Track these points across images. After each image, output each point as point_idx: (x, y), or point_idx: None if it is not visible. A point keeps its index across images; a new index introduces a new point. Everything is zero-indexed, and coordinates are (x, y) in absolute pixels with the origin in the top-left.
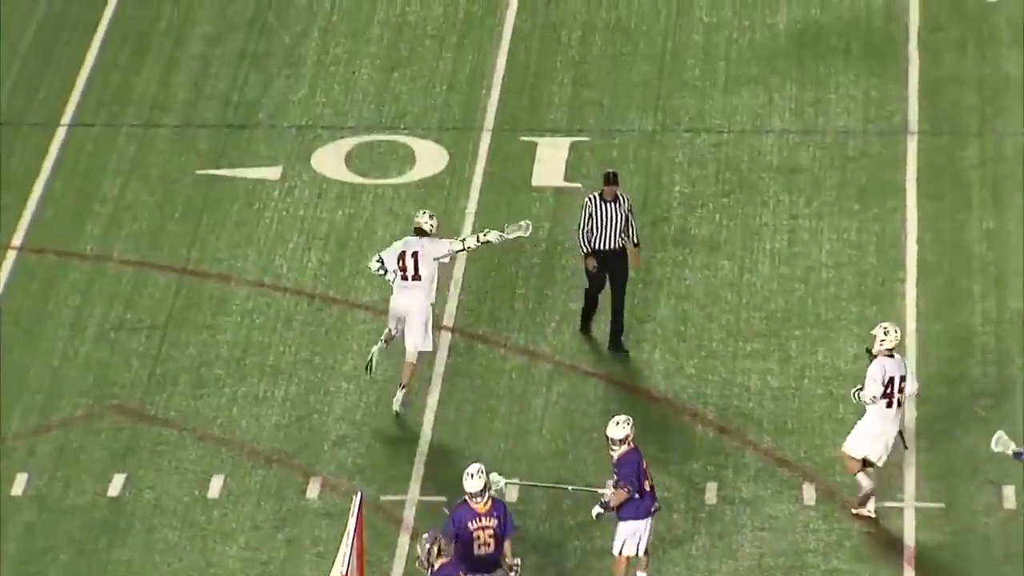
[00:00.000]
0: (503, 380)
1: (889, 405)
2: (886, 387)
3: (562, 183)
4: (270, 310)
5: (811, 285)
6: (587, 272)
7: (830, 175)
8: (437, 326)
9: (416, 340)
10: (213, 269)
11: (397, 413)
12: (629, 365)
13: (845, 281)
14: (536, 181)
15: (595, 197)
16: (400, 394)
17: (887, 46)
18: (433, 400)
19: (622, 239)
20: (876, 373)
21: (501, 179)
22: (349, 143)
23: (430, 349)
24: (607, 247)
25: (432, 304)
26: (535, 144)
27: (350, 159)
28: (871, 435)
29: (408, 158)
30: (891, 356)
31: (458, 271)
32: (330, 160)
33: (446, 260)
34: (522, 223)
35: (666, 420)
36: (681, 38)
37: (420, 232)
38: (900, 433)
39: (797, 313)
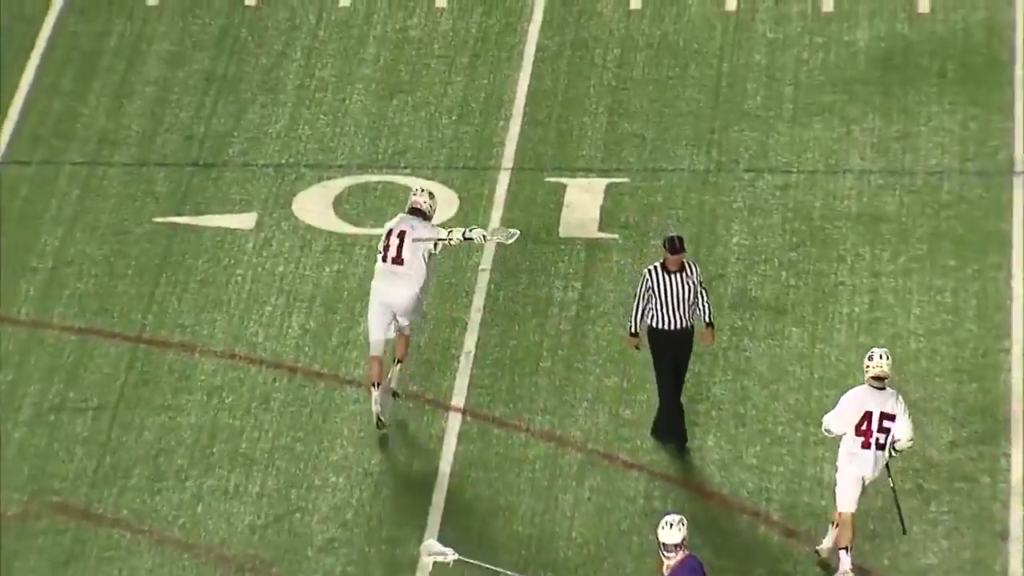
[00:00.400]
0: (524, 472)
1: (865, 446)
2: (860, 422)
3: (596, 234)
4: (243, 387)
5: (897, 358)
6: (655, 360)
7: (920, 224)
8: (445, 405)
9: (404, 324)
10: (174, 337)
11: (395, 393)
12: (677, 454)
13: (938, 353)
14: (564, 231)
15: (657, 269)
16: (395, 370)
17: (989, 69)
18: (440, 497)
19: (691, 317)
20: (845, 402)
21: (522, 229)
22: (338, 185)
23: (415, 321)
24: (673, 327)
25: (422, 293)
26: (563, 186)
27: (339, 204)
28: (847, 485)
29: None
30: (881, 388)
31: (470, 340)
32: (315, 206)
33: (428, 245)
34: (511, 230)
35: (722, 520)
36: (740, 58)
37: (416, 212)
38: (897, 504)
39: None
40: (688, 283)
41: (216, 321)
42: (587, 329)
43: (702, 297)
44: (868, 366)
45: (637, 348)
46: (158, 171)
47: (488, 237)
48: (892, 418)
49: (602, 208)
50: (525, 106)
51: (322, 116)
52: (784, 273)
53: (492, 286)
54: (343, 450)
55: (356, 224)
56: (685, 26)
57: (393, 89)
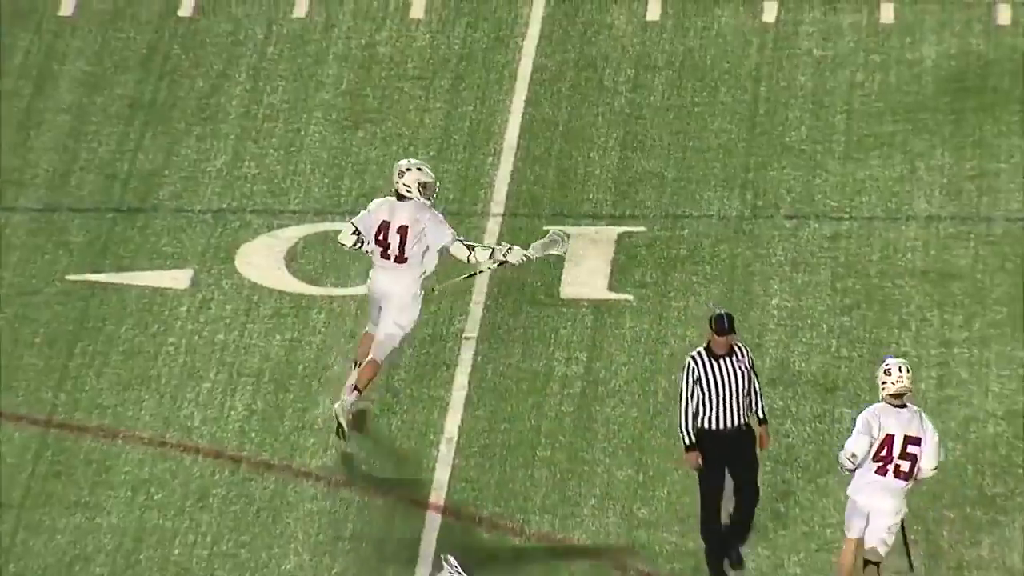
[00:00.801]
0: None
1: (882, 472)
2: (880, 447)
3: (606, 294)
4: (174, 481)
5: (972, 445)
6: (700, 473)
7: (999, 282)
8: (422, 503)
9: (388, 326)
10: (91, 420)
11: (340, 427)
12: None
13: (1022, 439)
14: (567, 291)
15: (702, 355)
16: (350, 398)
17: None
18: None
19: (747, 412)
20: (865, 422)
21: (516, 287)
22: (291, 235)
23: (406, 329)
24: (727, 425)
25: (421, 287)
26: (566, 236)
27: (292, 259)
28: (855, 514)
29: None
30: (902, 407)
31: (452, 424)
32: (263, 260)
33: (437, 244)
34: (556, 235)
35: None
36: (780, 81)
37: (405, 198)
38: (904, 538)
39: (950, 487)
40: (740, 370)
41: (143, 401)
42: (594, 410)
43: (754, 386)
44: (885, 382)
45: (698, 470)
46: (72, 218)
47: (529, 255)
48: (917, 442)
49: (613, 263)
50: (519, 139)
51: (272, 151)
52: (834, 342)
53: (479, 358)
54: (297, 558)
55: (312, 282)
56: (714, 41)
57: (358, 118)
